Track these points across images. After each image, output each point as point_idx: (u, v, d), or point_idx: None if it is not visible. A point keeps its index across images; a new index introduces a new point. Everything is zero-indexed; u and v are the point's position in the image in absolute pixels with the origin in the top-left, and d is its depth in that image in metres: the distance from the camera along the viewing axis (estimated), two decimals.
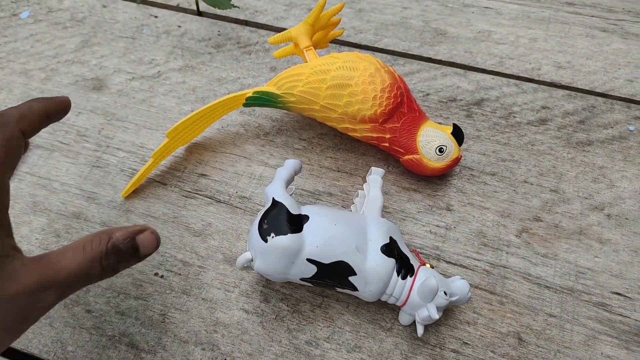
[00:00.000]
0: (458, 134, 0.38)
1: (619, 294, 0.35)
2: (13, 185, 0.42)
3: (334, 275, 0.32)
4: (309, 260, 0.31)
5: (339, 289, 0.33)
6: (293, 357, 0.34)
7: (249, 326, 0.35)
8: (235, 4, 0.48)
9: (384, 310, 0.35)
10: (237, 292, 0.36)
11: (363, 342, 0.34)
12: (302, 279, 0.32)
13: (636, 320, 0.34)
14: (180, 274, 0.37)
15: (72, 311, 0.36)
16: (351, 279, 0.32)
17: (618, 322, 0.34)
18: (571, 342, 0.33)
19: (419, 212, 0.39)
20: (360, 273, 0.31)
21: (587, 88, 0.45)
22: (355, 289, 0.32)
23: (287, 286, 0.36)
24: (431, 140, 0.37)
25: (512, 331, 0.34)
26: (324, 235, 0.31)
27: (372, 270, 0.31)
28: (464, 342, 0.34)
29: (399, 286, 0.32)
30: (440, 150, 0.37)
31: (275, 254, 0.31)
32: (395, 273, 0.32)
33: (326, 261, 0.31)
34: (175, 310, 0.36)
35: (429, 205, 0.39)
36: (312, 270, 0.31)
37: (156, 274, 0.37)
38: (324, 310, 0.35)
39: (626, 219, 0.38)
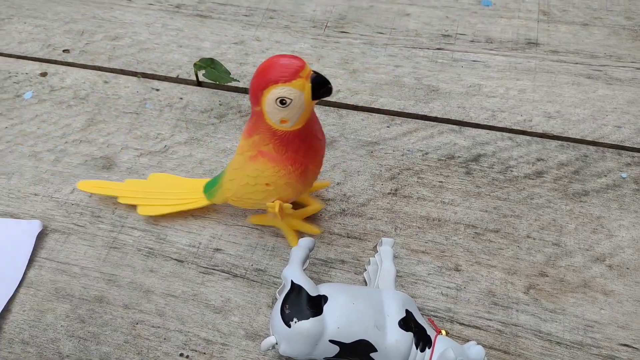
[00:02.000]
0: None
1: (627, 346, 0.37)
2: (33, 272, 0.43)
3: (355, 353, 0.33)
4: (331, 341, 0.33)
5: None
6: None
7: None
8: (234, 77, 0.51)
9: None
10: None
11: None
12: (325, 358, 0.34)
13: None
14: (204, 353, 0.38)
15: None
16: (372, 355, 0.33)
17: None
18: None
19: (429, 274, 0.41)
20: (380, 350, 0.33)
21: (578, 137, 0.48)
22: None
23: None
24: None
25: None
26: (344, 316, 0.33)
27: (392, 346, 0.33)
28: None
29: (418, 359, 0.33)
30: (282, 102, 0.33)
31: (299, 339, 0.33)
32: (414, 346, 0.33)
33: (348, 341, 0.33)
34: None
35: (438, 266, 0.41)
36: (335, 350, 0.33)
37: (181, 355, 0.38)
38: None
39: (627, 268, 0.40)
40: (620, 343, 0.37)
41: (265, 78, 0.32)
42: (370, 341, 0.33)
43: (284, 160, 0.36)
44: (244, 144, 0.37)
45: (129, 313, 0.41)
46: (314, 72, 0.33)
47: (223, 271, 0.42)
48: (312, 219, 0.44)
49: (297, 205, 0.43)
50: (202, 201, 0.44)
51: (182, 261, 0.43)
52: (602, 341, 0.37)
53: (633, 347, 0.37)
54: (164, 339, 0.39)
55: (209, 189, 0.43)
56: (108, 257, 0.44)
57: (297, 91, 0.32)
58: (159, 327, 0.40)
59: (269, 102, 0.33)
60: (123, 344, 0.39)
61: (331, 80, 0.54)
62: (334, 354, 0.33)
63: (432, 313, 0.39)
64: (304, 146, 0.36)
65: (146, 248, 0.44)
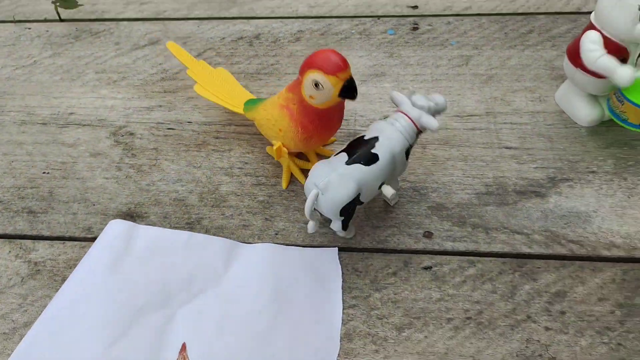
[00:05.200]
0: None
1: None
2: None
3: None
4: None
5: None
6: None
7: None
8: (80, 3, 0.67)
9: None
10: None
11: None
12: None
13: None
14: (60, 170, 0.54)
15: None
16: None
17: None
18: None
19: None
20: None
21: (326, 15, 0.67)
22: None
23: None
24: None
25: None
26: None
27: None
28: None
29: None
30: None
31: None
32: None
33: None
34: None
35: None
36: None
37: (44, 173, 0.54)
38: None
39: None
40: None
41: (314, 62, 0.40)
42: None
43: (297, 123, 0.44)
44: (282, 93, 0.45)
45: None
46: (350, 78, 0.40)
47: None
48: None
49: (303, 156, 0.52)
50: (239, 109, 0.52)
51: (45, 124, 0.59)
52: None
53: None
54: (31, 166, 0.55)
55: (247, 104, 0.51)
56: None
57: (329, 84, 0.40)
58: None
59: (308, 79, 0.41)
60: None
61: (158, 3, 0.72)
62: None
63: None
64: (317, 121, 0.43)
65: (20, 121, 0.59)
